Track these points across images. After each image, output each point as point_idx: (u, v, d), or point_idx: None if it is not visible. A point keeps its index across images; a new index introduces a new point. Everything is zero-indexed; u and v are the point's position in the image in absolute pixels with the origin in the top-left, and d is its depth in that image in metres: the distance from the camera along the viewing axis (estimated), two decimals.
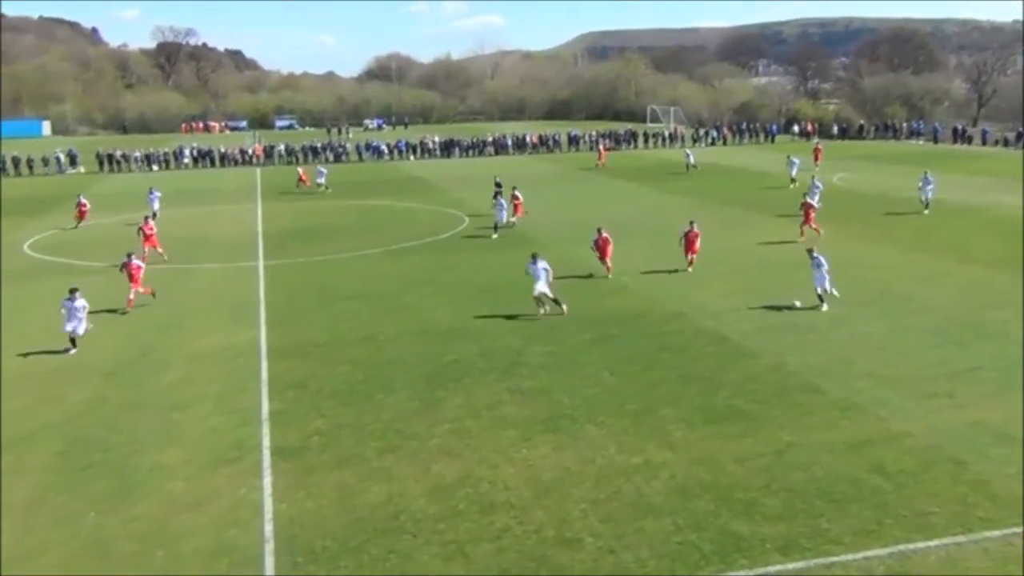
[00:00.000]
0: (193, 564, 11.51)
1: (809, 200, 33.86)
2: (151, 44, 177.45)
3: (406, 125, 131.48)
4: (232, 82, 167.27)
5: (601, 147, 71.64)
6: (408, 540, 11.94)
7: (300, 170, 57.89)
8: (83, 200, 42.39)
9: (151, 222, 33.42)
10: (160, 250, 32.30)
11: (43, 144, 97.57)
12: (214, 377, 19.02)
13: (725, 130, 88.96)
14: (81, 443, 15.60)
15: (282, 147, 78.94)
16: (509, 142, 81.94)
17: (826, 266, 22.78)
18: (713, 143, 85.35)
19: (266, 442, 15.36)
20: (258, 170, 69.83)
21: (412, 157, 78.82)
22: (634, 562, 11.23)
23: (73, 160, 75.06)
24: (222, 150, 77.90)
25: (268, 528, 12.34)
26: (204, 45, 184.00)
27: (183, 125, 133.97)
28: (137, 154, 75.73)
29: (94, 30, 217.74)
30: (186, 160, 76.34)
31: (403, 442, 15.20)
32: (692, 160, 60.38)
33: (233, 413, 16.85)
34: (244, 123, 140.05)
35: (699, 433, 15.18)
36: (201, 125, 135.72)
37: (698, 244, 27.78)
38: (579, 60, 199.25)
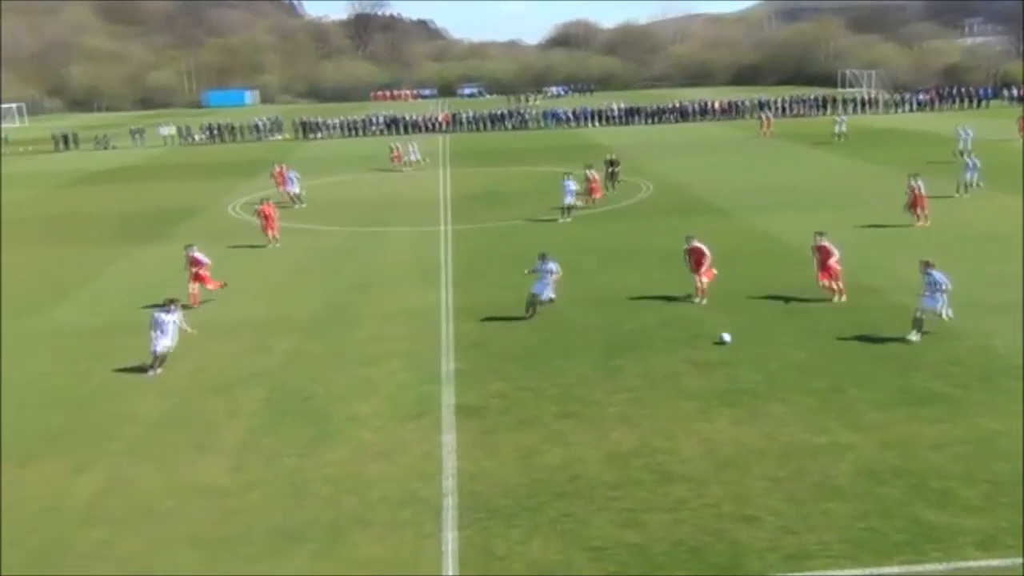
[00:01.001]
0: (380, 511, 12.19)
1: (914, 183, 28.86)
2: (345, 16, 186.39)
3: (592, 91, 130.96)
4: (421, 51, 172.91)
5: (765, 115, 68.07)
6: (584, 504, 12.11)
7: (395, 145, 53.32)
8: (281, 168, 41.88)
9: (270, 204, 30.88)
10: (276, 235, 30.10)
11: (249, 112, 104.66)
12: (402, 335, 19.94)
13: (933, 93, 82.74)
14: (283, 391, 16.85)
15: (467, 114, 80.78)
16: (692, 108, 79.80)
17: (946, 286, 17.96)
18: (917, 107, 79.86)
19: (450, 400, 15.97)
20: (443, 137, 71.79)
21: (595, 124, 78.42)
22: (816, 545, 10.87)
23: (277, 127, 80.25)
24: (410, 117, 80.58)
25: (450, 483, 12.86)
26: (396, 15, 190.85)
27: (372, 94, 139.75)
28: (333, 121, 79.65)
29: (292, 3, 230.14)
30: (375, 127, 79.45)
31: (581, 408, 15.38)
32: (843, 128, 56.62)
33: (419, 370, 17.62)
34: (432, 91, 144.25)
35: (891, 416, 14.42)
36: (390, 93, 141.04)
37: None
38: (770, 22, 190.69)
